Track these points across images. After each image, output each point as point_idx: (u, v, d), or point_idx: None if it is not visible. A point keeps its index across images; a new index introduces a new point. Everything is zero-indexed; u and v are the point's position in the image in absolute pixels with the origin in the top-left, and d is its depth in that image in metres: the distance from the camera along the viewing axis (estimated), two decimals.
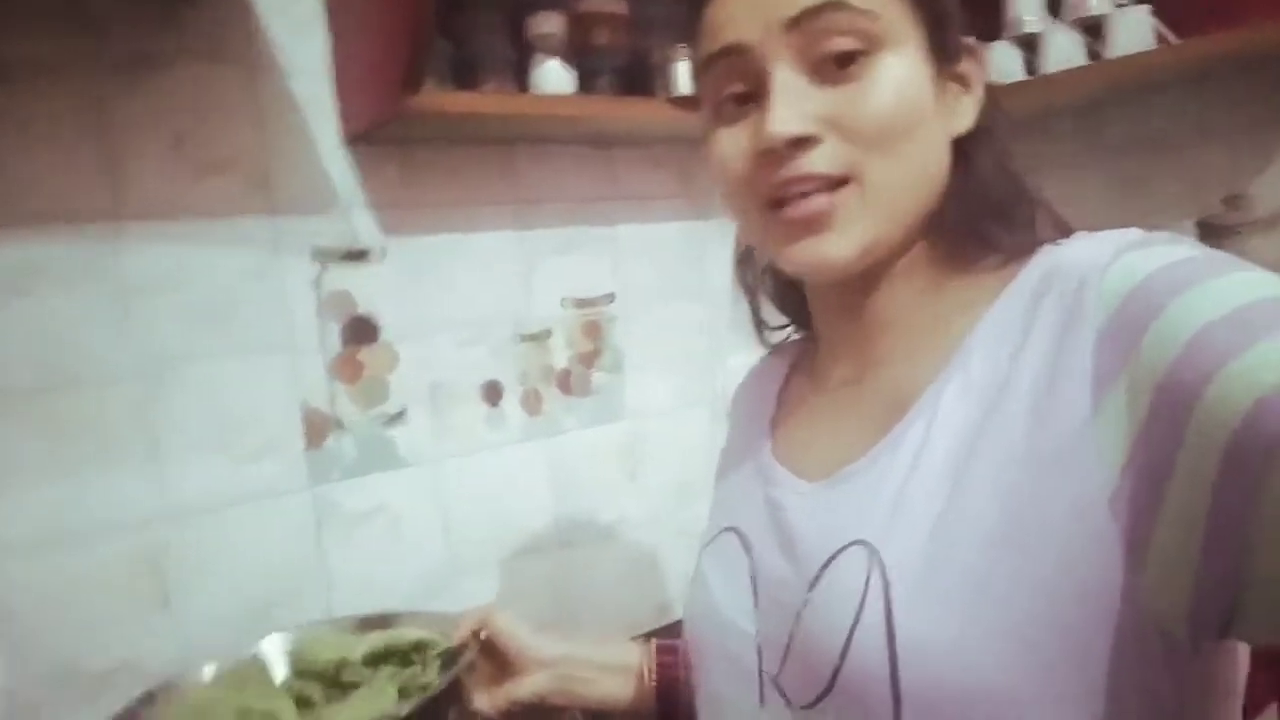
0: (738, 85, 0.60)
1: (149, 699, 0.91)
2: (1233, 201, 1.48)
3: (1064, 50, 1.49)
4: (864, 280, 0.62)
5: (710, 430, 1.59)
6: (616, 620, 1.46)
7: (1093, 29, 1.49)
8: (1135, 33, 1.44)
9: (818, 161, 0.57)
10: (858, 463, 0.59)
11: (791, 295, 0.76)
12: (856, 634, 0.52)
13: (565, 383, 1.42)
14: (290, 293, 1.17)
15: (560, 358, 1.42)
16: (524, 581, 1.37)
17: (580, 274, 1.45)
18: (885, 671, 0.50)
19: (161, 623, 1.07)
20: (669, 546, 1.53)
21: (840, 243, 0.58)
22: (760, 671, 0.61)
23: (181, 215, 1.10)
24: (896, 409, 0.59)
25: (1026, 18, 1.53)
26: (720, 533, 0.71)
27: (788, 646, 0.59)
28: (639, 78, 1.37)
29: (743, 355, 1.55)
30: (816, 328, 0.72)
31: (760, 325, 0.80)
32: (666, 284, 1.55)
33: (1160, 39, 1.45)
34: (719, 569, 0.68)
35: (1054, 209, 0.62)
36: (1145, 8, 1.45)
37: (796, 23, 0.56)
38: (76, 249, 1.03)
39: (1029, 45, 1.54)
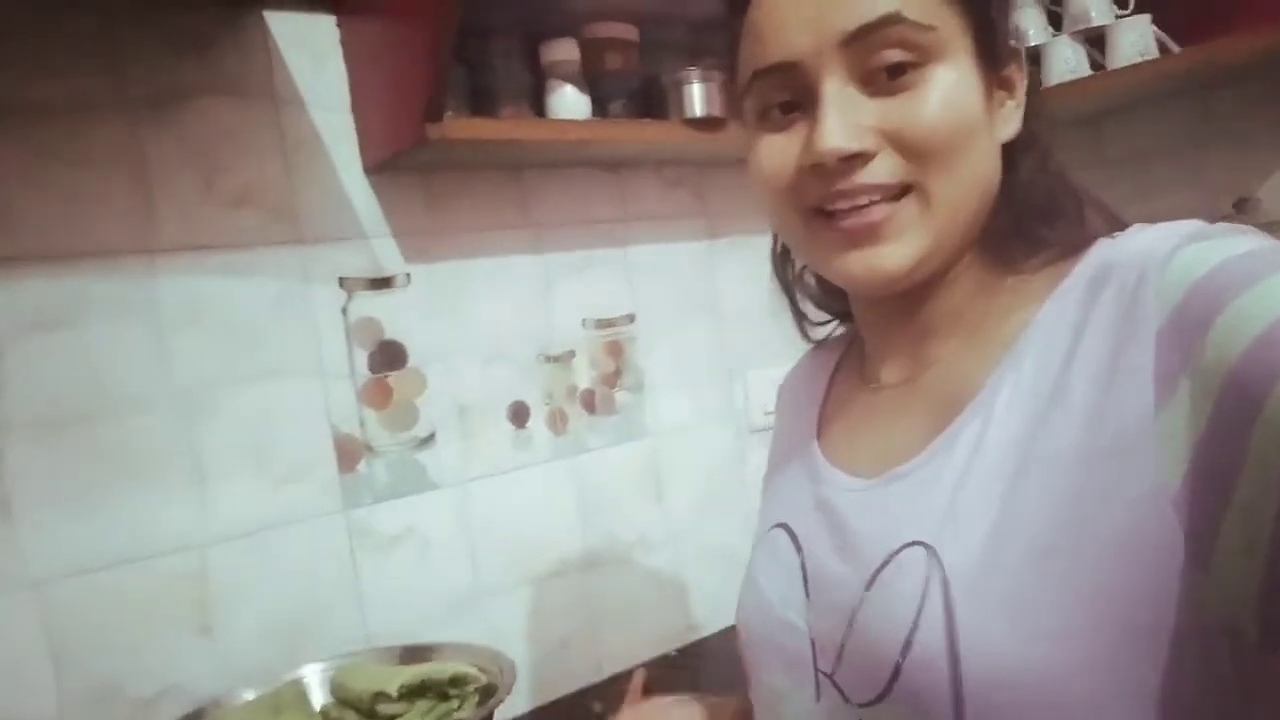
0: (786, 95, 0.60)
1: (192, 718, 0.92)
2: (1242, 205, 1.51)
3: (1067, 62, 1.52)
4: (913, 287, 0.62)
5: (731, 446, 1.61)
6: (644, 639, 1.47)
7: (1095, 40, 1.52)
8: (1137, 43, 1.47)
9: (877, 172, 0.57)
10: (911, 461, 0.59)
11: (832, 294, 0.77)
12: (917, 635, 0.52)
13: (590, 402, 1.44)
14: (319, 320, 1.19)
15: (584, 377, 1.43)
16: (552, 601, 1.38)
17: (598, 295, 1.47)
18: (946, 673, 0.50)
19: (203, 646, 1.08)
20: (694, 564, 1.54)
21: (896, 254, 0.58)
22: (815, 668, 0.61)
23: (212, 247, 1.12)
24: (950, 408, 0.59)
25: (1029, 30, 1.56)
26: (770, 529, 0.71)
27: (843, 645, 0.59)
28: (651, 101, 1.39)
29: (761, 371, 1.59)
30: (861, 329, 0.72)
31: (802, 321, 0.80)
32: (682, 303, 1.57)
33: (1162, 48, 1.48)
34: (769, 565, 0.69)
35: (1104, 204, 0.62)
36: (1146, 17, 1.48)
37: (854, 38, 0.56)
38: (113, 282, 1.05)
39: (1032, 58, 1.57)
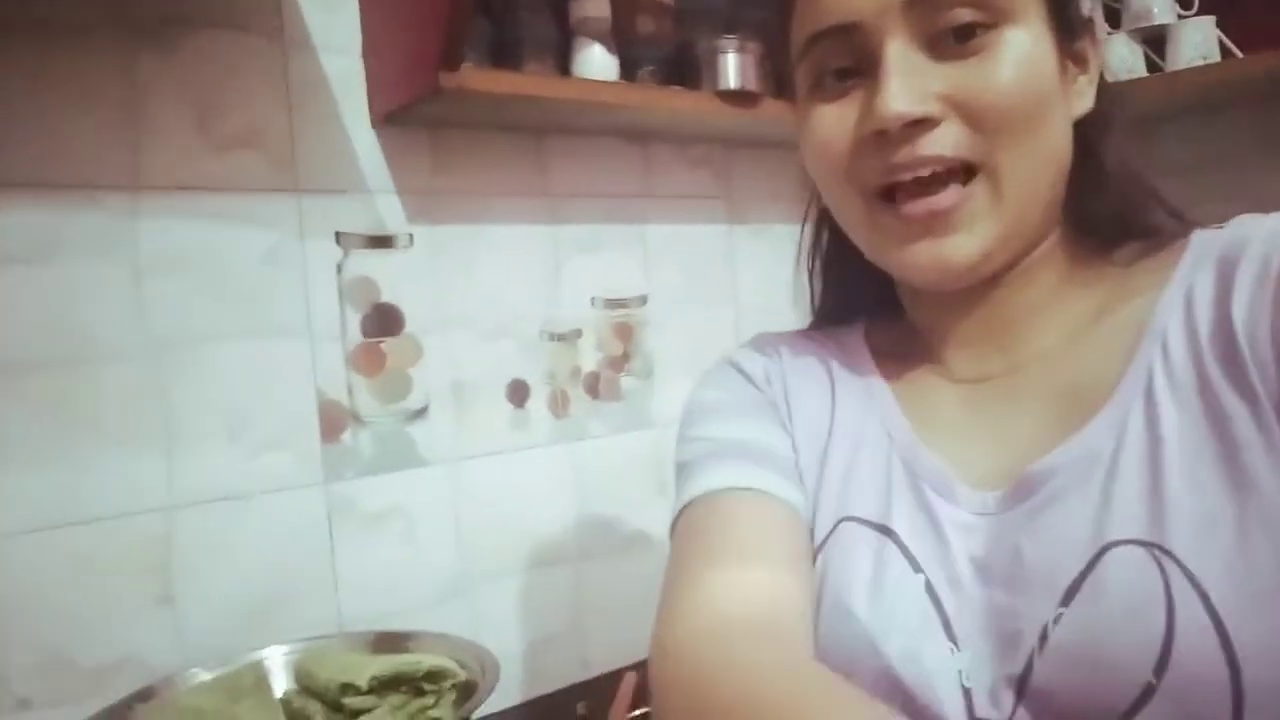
0: (843, 61, 0.56)
1: (141, 697, 0.86)
2: None
3: (1123, 60, 1.44)
4: (991, 277, 0.58)
5: None
6: (636, 639, 1.39)
7: (1154, 40, 1.44)
8: (1200, 45, 1.39)
9: (941, 142, 0.52)
10: (1052, 459, 0.53)
11: (870, 283, 0.67)
12: (1177, 645, 0.45)
13: (594, 386, 1.35)
14: (311, 277, 1.11)
15: (589, 359, 1.35)
16: (541, 591, 1.30)
17: (611, 273, 1.38)
18: (1223, 678, 0.44)
19: (163, 617, 1.00)
20: None
21: (964, 244, 0.54)
22: (970, 714, 0.51)
23: (202, 190, 1.04)
24: (1081, 400, 0.54)
25: None
26: (847, 522, 0.59)
27: (1023, 679, 0.50)
28: (683, 70, 1.31)
29: None
30: (919, 319, 0.66)
31: (821, 314, 0.75)
32: (698, 288, 1.49)
33: (1225, 52, 1.40)
34: (868, 584, 0.56)
35: (1160, 194, 0.60)
36: (1210, 19, 1.40)
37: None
38: (93, 219, 0.97)
39: None
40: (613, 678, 1.20)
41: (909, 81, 0.52)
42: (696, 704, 0.49)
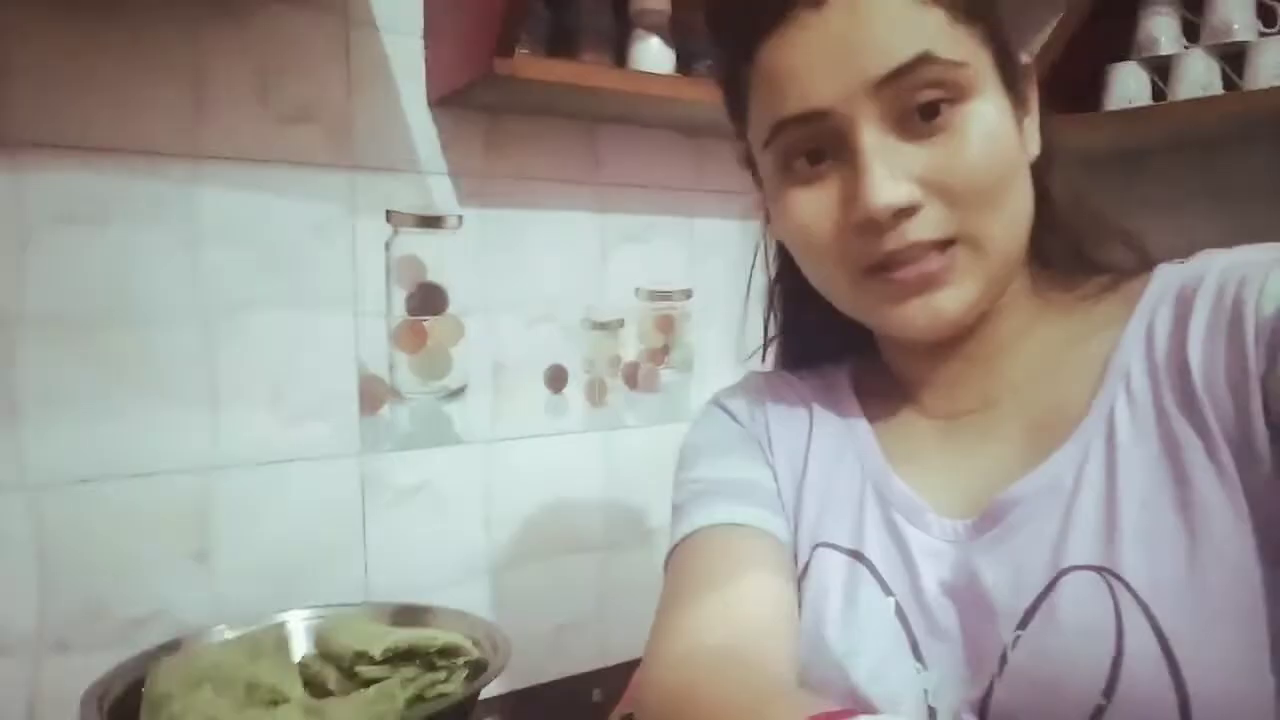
0: (812, 144, 0.56)
1: (168, 649, 0.89)
2: None
3: (1199, 76, 1.39)
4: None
5: None
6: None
7: (1233, 57, 1.39)
8: None
9: (923, 229, 0.53)
10: (1017, 489, 0.55)
11: (840, 329, 0.67)
12: (1125, 667, 0.47)
13: (632, 376, 1.36)
14: (360, 252, 1.13)
15: (630, 350, 1.36)
16: (564, 577, 1.31)
17: (656, 265, 1.39)
18: (1170, 700, 0.46)
19: (197, 573, 1.03)
20: None
21: (954, 296, 0.55)
22: None
23: (259, 161, 1.06)
24: (1048, 432, 0.56)
25: (1161, 39, 1.43)
26: (820, 548, 0.62)
27: (984, 701, 0.52)
28: None
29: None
30: (895, 364, 0.67)
31: (783, 355, 0.77)
32: (744, 285, 1.48)
33: None
34: (840, 607, 0.59)
35: (1123, 227, 0.62)
36: None
37: (886, 82, 0.52)
38: (152, 184, 1.00)
39: (1160, 69, 1.44)
40: (632, 667, 1.21)
41: (891, 170, 0.52)
42: None
